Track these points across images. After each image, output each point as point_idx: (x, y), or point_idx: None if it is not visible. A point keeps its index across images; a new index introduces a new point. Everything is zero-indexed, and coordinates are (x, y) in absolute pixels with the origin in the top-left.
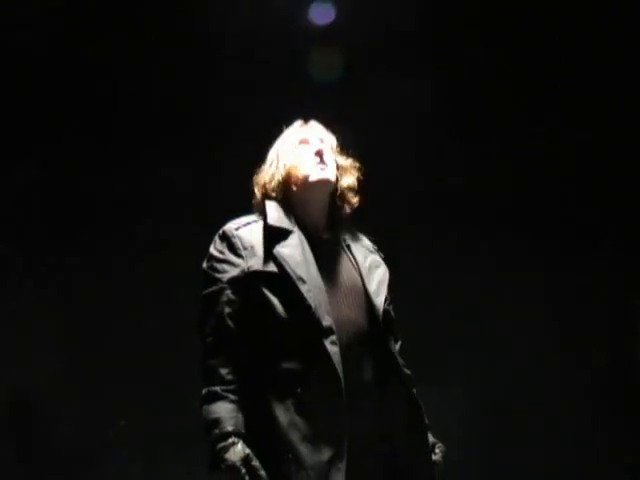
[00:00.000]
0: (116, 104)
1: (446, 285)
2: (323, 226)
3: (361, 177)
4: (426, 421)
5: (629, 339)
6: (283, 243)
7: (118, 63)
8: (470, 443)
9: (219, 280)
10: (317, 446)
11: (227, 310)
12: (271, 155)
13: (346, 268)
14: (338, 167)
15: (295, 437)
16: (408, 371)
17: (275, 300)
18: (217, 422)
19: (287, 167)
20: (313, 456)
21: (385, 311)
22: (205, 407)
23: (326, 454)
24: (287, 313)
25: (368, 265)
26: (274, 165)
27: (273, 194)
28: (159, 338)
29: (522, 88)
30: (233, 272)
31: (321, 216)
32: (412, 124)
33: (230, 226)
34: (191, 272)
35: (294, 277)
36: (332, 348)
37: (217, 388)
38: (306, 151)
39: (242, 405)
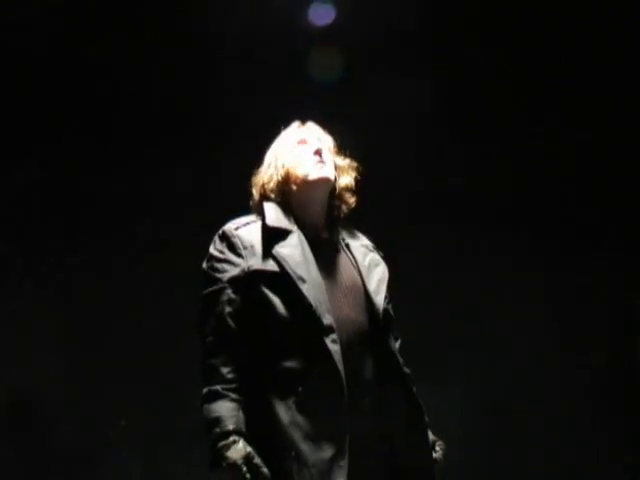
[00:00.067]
0: (116, 104)
1: (446, 285)
2: (322, 226)
3: (358, 177)
4: (426, 419)
5: (629, 339)
6: (282, 243)
7: (118, 63)
8: (470, 443)
9: (219, 280)
10: (319, 444)
11: (228, 309)
12: (269, 156)
13: (346, 267)
14: (336, 167)
15: (296, 435)
16: (408, 370)
17: (275, 299)
18: (218, 421)
19: (286, 167)
20: (315, 454)
21: (385, 310)
22: (206, 406)
23: (328, 452)
24: (288, 312)
25: (367, 264)
26: (272, 166)
27: (272, 195)
28: (159, 338)
29: (522, 88)
30: (233, 272)
31: (320, 216)
32: (412, 124)
33: (230, 226)
34: (191, 272)
35: (294, 276)
36: (333, 346)
37: (218, 387)
38: (305, 151)
39: (243, 404)
